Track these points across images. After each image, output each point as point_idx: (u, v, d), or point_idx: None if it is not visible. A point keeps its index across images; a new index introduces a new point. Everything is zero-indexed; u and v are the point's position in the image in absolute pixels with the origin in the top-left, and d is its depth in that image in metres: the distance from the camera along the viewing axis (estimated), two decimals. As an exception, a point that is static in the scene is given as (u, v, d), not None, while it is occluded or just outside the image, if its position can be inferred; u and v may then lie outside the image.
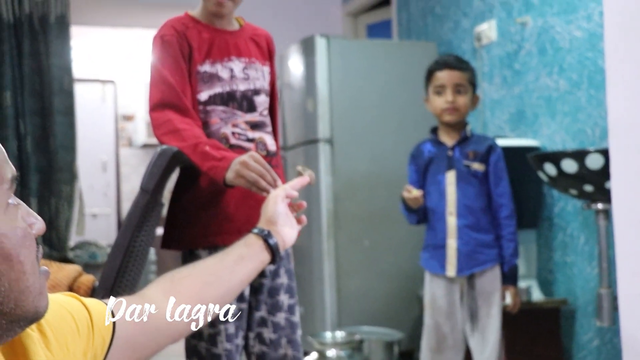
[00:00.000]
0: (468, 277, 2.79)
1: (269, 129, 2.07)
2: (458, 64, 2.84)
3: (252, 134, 2.00)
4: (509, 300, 2.81)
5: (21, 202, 0.85)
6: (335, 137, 3.95)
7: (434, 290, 2.85)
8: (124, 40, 7.52)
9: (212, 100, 1.97)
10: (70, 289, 1.51)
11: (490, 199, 2.80)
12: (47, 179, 4.66)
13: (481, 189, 2.79)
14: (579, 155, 2.67)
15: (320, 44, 3.97)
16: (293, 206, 1.50)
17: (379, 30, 5.32)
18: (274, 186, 1.70)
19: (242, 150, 1.94)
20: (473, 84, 2.85)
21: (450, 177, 2.80)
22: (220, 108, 1.97)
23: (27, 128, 4.59)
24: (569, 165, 2.70)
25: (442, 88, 2.81)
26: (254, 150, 1.96)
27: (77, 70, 4.94)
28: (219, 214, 1.91)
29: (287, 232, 1.41)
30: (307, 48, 4.06)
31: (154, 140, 7.63)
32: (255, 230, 1.37)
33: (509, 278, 2.79)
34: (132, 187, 7.71)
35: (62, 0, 4.69)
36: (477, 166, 2.78)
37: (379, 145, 4.03)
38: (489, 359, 2.74)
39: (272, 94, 2.15)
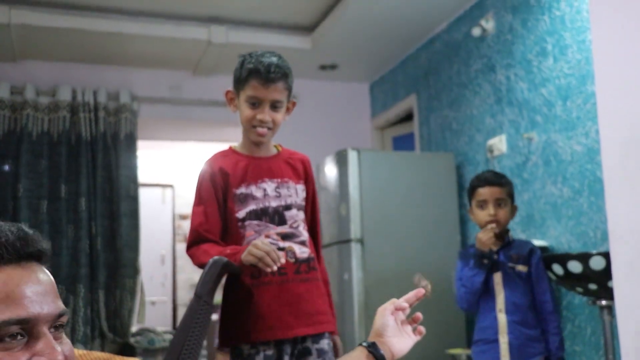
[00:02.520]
0: None
1: (300, 239, 2.12)
2: (498, 179, 2.83)
3: (282, 244, 2.07)
4: None
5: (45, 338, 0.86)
6: (365, 237, 3.98)
7: None
8: (181, 151, 7.72)
9: (248, 216, 2.08)
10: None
11: (534, 297, 2.77)
12: (114, 274, 4.72)
13: (525, 287, 2.76)
14: (583, 258, 2.66)
15: (352, 156, 4.05)
16: (413, 318, 1.39)
17: (404, 142, 5.40)
18: (278, 264, 1.85)
19: None
20: (511, 197, 2.84)
21: (497, 278, 2.77)
22: (255, 222, 2.07)
23: (97, 229, 4.69)
24: (575, 266, 2.68)
25: (485, 202, 2.80)
26: (284, 257, 2.02)
27: (141, 176, 5.08)
28: (252, 314, 1.98)
29: (396, 342, 1.30)
30: (341, 159, 4.14)
31: (206, 237, 7.72)
32: (363, 343, 1.28)
33: None
34: (186, 277, 7.73)
35: (131, 120, 4.89)
36: (521, 267, 2.76)
37: (404, 244, 4.04)
38: None
39: (313, 208, 2.23)
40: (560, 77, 3.40)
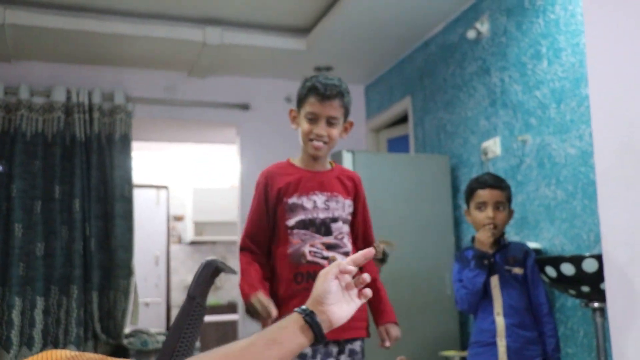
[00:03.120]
0: None
1: (343, 249, 2.28)
2: (498, 183, 2.84)
3: (326, 253, 2.24)
4: None
5: None
6: (359, 238, 3.98)
7: None
8: (176, 152, 7.73)
9: (297, 225, 2.26)
10: (125, 382, 1.52)
11: (530, 299, 2.77)
12: (108, 275, 4.72)
13: (521, 290, 2.76)
14: (576, 260, 2.67)
15: (347, 158, 4.06)
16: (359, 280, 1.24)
17: (398, 144, 5.41)
18: (268, 319, 2.06)
19: (317, 265, 2.21)
20: (509, 200, 2.85)
21: (495, 281, 2.77)
22: (302, 231, 2.25)
23: (91, 230, 4.68)
24: (568, 269, 2.69)
25: (484, 205, 2.80)
26: (328, 265, 2.05)
27: (136, 178, 5.08)
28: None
29: (336, 310, 1.16)
30: (336, 161, 4.13)
31: (200, 238, 7.73)
32: (297, 309, 1.15)
33: None
34: (180, 278, 7.74)
35: (125, 121, 4.88)
36: (517, 270, 2.76)
37: (398, 245, 4.04)
38: None
39: (365, 221, 2.44)
40: (554, 79, 3.42)
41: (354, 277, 1.21)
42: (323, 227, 2.26)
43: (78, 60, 4.95)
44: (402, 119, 5.27)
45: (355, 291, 1.20)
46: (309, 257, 2.23)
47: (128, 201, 4.78)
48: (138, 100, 5.03)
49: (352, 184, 2.38)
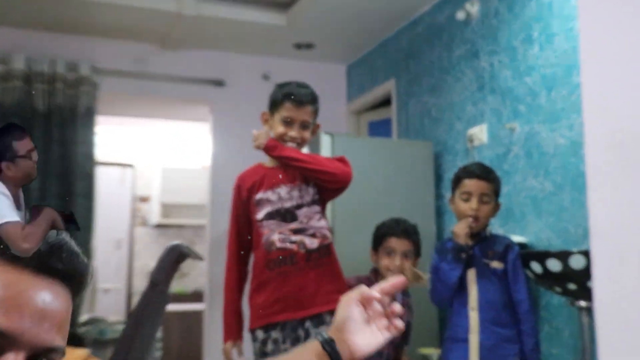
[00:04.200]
0: None
1: (310, 232, 2.61)
2: (486, 174, 2.84)
3: (294, 237, 2.58)
4: None
5: None
6: (336, 226, 3.96)
7: None
8: (145, 129, 7.64)
9: (265, 217, 2.62)
10: (80, 371, 1.49)
11: (510, 295, 2.77)
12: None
13: (500, 285, 2.76)
14: (563, 256, 2.68)
15: (325, 140, 4.04)
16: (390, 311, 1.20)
17: (380, 128, 5.40)
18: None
19: (286, 250, 2.57)
20: (497, 194, 2.85)
21: (471, 274, 2.78)
22: (270, 221, 2.60)
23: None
24: (554, 265, 2.70)
25: (469, 195, 2.80)
26: (296, 248, 2.57)
27: (99, 154, 5.01)
28: (267, 300, 2.57)
29: (358, 340, 1.12)
30: (313, 143, 4.11)
31: (167, 220, 7.68)
32: (319, 337, 1.13)
33: None
34: (143, 263, 7.67)
35: (91, 94, 4.81)
36: (496, 264, 2.77)
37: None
38: None
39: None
40: (545, 66, 3.42)
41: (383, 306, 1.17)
42: (288, 215, 2.61)
43: (40, 26, 4.85)
44: (385, 102, 5.25)
45: (384, 322, 1.15)
46: (278, 244, 2.57)
47: (90, 179, 4.72)
48: (105, 72, 4.95)
49: None
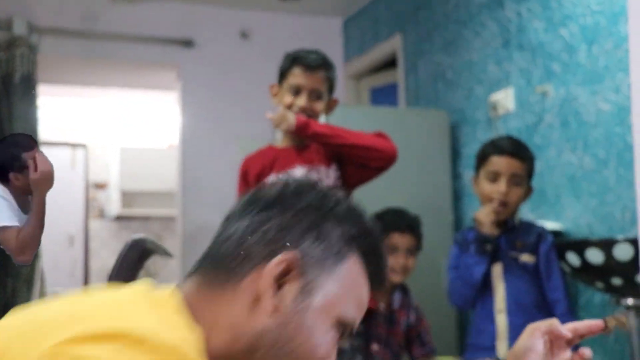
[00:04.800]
0: None
1: None
2: (520, 151, 2.84)
3: None
4: None
5: None
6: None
7: None
8: (100, 101, 7.61)
9: None
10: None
11: (543, 294, 2.78)
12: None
13: (532, 282, 2.77)
14: (606, 245, 2.68)
15: (318, 111, 4.02)
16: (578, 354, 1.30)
17: (385, 95, 5.39)
18: None
19: None
20: (530, 175, 2.85)
21: (497, 270, 2.78)
22: None
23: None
24: (595, 256, 2.71)
25: (497, 175, 2.79)
26: None
27: (43, 133, 4.99)
28: None
29: None
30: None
31: (129, 211, 7.68)
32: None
33: None
34: (101, 263, 7.68)
35: (28, 58, 4.77)
36: (526, 258, 2.76)
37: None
38: None
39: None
40: (585, 14, 3.41)
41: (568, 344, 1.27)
42: None
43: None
44: (390, 64, 5.24)
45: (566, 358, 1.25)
46: None
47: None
48: (46, 31, 4.93)
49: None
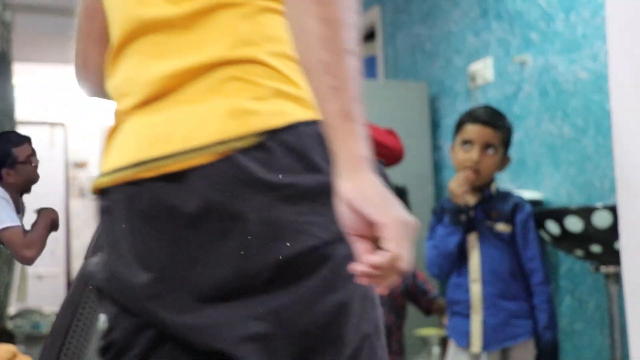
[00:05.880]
0: (501, 351, 2.73)
1: None
2: (493, 120, 2.82)
3: None
4: None
5: None
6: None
7: None
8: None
9: None
10: (4, 372, 1.50)
11: (520, 264, 2.76)
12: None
13: (508, 252, 2.75)
14: (585, 213, 2.69)
15: (296, 85, 4.02)
16: None
17: (363, 68, 5.38)
18: None
19: None
20: (506, 145, 2.83)
21: (472, 240, 2.76)
22: None
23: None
24: (574, 224, 2.72)
25: (470, 143, 2.78)
26: None
27: (21, 112, 4.95)
28: None
29: None
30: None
31: (110, 191, 7.65)
32: None
33: (544, 355, 2.73)
34: (83, 243, 7.66)
35: (3, 36, 4.72)
36: (502, 227, 2.74)
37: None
38: None
39: None
40: (562, -17, 3.41)
41: None
42: None
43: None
44: (368, 36, 5.23)
45: None
46: None
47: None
48: (20, 8, 4.87)
49: None
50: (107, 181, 1.19)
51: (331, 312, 1.07)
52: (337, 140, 1.02)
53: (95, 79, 1.45)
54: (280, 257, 1.05)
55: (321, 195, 1.07)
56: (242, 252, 1.05)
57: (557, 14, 3.43)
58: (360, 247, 0.98)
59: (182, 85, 1.10)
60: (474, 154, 2.76)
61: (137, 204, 1.10)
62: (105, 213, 1.22)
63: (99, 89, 1.43)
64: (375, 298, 1.21)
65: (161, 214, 1.09)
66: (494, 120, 2.83)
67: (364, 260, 0.96)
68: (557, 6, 3.44)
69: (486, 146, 2.78)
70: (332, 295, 1.07)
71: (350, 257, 1.00)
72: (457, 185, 2.73)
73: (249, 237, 1.05)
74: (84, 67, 1.47)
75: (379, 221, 0.96)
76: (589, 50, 3.25)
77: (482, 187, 2.81)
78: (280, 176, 1.06)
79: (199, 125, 1.07)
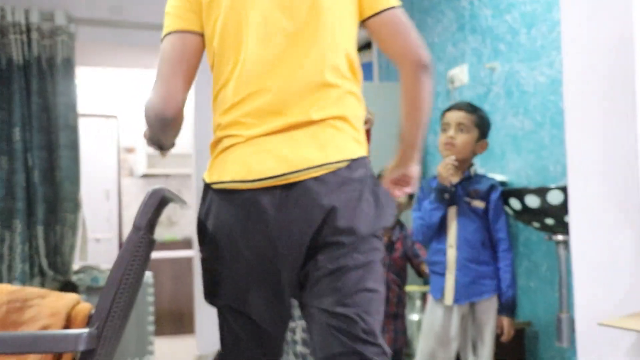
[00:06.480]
0: (469, 305, 2.75)
1: None
2: (465, 106, 2.83)
3: None
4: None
5: None
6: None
7: (433, 316, 2.80)
8: (126, 79, 7.55)
9: None
10: (69, 316, 1.51)
11: (489, 234, 2.77)
12: (53, 208, 4.64)
13: (480, 224, 2.75)
14: (541, 192, 2.70)
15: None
16: None
17: (362, 72, 5.35)
18: None
19: None
20: (480, 128, 2.81)
21: (452, 213, 2.76)
22: None
23: (34, 161, 4.57)
24: (532, 201, 2.72)
25: (447, 126, 2.80)
26: None
27: (82, 107, 4.95)
28: None
29: None
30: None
31: (153, 170, 7.65)
32: None
33: (505, 309, 2.73)
34: (132, 213, 7.67)
35: (67, 44, 4.71)
36: (477, 203, 2.75)
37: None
38: None
39: None
40: (525, 3, 3.39)
41: None
42: None
43: (15, -24, 4.73)
44: (366, 45, 5.20)
45: None
46: None
47: (73, 130, 4.66)
48: (81, 21, 4.85)
49: None
50: (258, 185, 1.52)
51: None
52: (413, 152, 1.86)
53: (177, 111, 1.71)
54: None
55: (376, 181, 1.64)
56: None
57: (521, 29, 3.42)
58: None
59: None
60: (450, 132, 2.77)
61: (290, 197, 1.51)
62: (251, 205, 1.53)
63: (177, 119, 1.73)
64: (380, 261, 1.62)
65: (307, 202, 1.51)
66: (466, 105, 2.84)
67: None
68: (520, 22, 3.42)
69: (459, 126, 2.78)
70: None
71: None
72: (443, 169, 2.73)
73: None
74: (177, 100, 1.70)
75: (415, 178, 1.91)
76: (546, 59, 3.24)
77: (463, 168, 2.81)
78: (358, 174, 1.56)
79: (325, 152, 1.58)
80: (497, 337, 2.80)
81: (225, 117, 1.64)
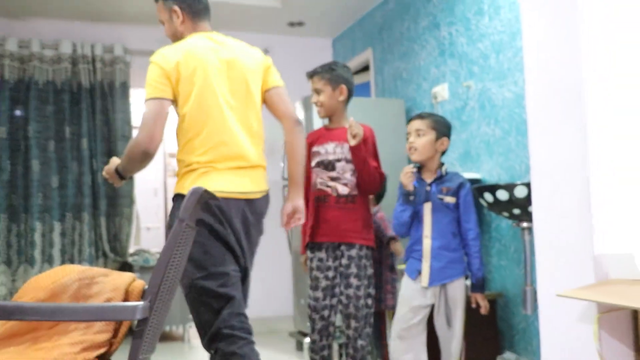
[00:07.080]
0: (441, 286, 2.64)
1: (342, 181, 2.76)
2: (420, 115, 2.74)
3: (330, 183, 2.76)
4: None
5: None
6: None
7: (407, 291, 2.70)
8: (172, 97, 7.57)
9: (316, 165, 2.81)
10: (127, 291, 1.52)
11: (460, 226, 2.68)
12: (113, 203, 4.69)
13: (452, 217, 2.66)
14: (510, 187, 2.69)
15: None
16: None
17: (361, 89, 5.33)
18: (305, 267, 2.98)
19: (322, 191, 2.77)
20: (436, 129, 2.69)
21: (427, 208, 2.67)
22: (318, 169, 2.80)
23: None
24: (502, 195, 2.71)
25: (409, 134, 2.72)
26: (330, 192, 2.76)
27: (135, 121, 4.97)
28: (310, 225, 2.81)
29: None
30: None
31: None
32: None
33: (477, 287, 2.67)
34: (177, 207, 7.69)
35: (124, 71, 4.76)
36: (449, 199, 2.65)
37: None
38: (455, 347, 2.64)
39: (375, 159, 2.87)
40: (494, 33, 3.37)
41: None
42: (330, 165, 2.76)
43: (82, 16, 4.76)
44: (365, 68, 5.19)
45: None
46: (318, 186, 2.77)
47: (128, 140, 4.69)
48: (135, 52, 4.87)
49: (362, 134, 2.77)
50: (229, 195, 2.03)
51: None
52: (299, 188, 2.17)
53: (157, 149, 2.03)
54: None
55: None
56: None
57: (491, 54, 3.40)
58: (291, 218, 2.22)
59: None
60: (411, 138, 2.70)
61: (250, 208, 2.08)
62: (218, 209, 2.02)
63: (154, 155, 2.06)
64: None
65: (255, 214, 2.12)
66: (420, 114, 2.74)
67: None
68: (490, 49, 3.40)
69: (417, 131, 2.69)
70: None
71: None
72: (404, 177, 2.66)
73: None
74: (157, 142, 2.01)
75: (302, 211, 2.17)
76: (512, 78, 3.22)
77: (434, 169, 2.72)
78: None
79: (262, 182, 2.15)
80: (476, 309, 2.74)
81: (203, 157, 2.04)
